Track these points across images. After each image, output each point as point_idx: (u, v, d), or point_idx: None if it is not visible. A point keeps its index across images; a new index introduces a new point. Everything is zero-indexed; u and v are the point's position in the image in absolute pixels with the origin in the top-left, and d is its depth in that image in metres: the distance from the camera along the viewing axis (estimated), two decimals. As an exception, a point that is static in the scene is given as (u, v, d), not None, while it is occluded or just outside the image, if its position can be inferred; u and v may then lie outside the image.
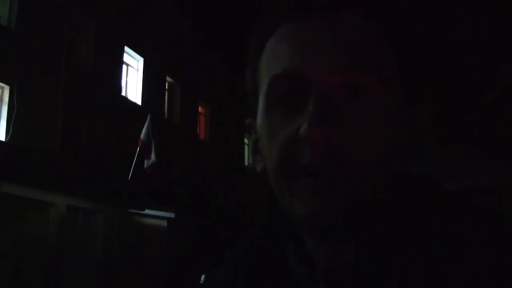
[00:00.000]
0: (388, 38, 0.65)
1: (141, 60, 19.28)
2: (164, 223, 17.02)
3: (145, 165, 15.25)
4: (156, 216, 16.60)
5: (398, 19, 0.68)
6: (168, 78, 21.10)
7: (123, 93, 18.22)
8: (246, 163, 26.77)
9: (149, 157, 15.23)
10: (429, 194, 0.67)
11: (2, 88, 12.99)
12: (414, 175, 0.70)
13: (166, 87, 21.20)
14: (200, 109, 23.80)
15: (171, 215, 16.95)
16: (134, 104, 18.54)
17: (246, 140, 27.09)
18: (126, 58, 18.52)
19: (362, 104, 0.62)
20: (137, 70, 19.27)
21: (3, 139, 12.53)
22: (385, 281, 0.61)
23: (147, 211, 16.02)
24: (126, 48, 18.33)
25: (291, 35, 0.65)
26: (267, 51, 0.68)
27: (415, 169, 0.70)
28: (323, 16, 0.63)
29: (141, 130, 15.32)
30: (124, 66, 18.49)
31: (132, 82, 18.97)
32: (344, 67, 0.61)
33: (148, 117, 15.42)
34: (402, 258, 0.61)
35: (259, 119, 0.69)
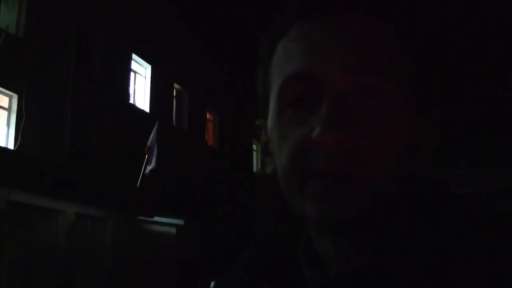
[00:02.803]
0: (403, 41, 0.65)
1: (148, 68, 19.36)
2: (173, 230, 17.03)
3: (146, 170, 15.31)
4: (165, 223, 16.62)
5: (413, 22, 0.67)
6: (176, 85, 21.16)
7: (131, 101, 18.29)
8: (254, 169, 26.77)
9: (150, 163, 15.28)
10: (441, 197, 0.66)
11: (11, 97, 13.07)
12: (425, 178, 0.69)
13: (174, 94, 21.26)
14: (208, 115, 23.86)
15: (180, 222, 16.96)
16: (142, 111, 18.60)
17: (254, 147, 27.11)
18: (133, 65, 18.60)
19: (376, 107, 0.61)
20: (145, 77, 19.35)
21: (12, 147, 12.59)
22: (397, 284, 0.60)
23: (156, 218, 16.05)
24: (134, 56, 18.41)
25: (305, 35, 0.64)
26: (278, 51, 0.67)
27: (426, 173, 0.70)
28: (337, 17, 0.63)
29: (149, 138, 15.39)
30: (132, 74, 18.56)
31: (140, 90, 19.05)
32: (358, 69, 0.61)
33: (156, 124, 15.48)
34: (413, 261, 0.60)
35: (271, 121, 0.68)
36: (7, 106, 13.07)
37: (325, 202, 0.60)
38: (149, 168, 15.29)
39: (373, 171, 0.59)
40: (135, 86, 18.79)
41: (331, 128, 0.58)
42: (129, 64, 18.25)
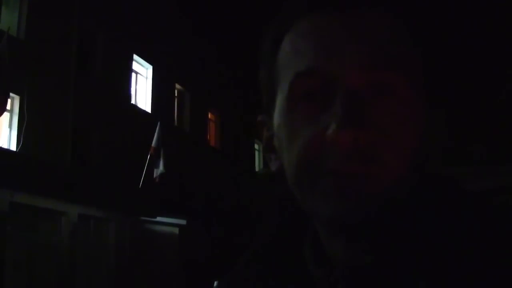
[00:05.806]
0: (414, 37, 0.64)
1: (150, 68, 19.36)
2: (175, 230, 17.03)
3: (154, 175, 15.33)
4: (167, 223, 16.62)
5: (424, 18, 0.66)
6: (177, 86, 21.16)
7: (132, 101, 18.29)
8: (256, 169, 26.77)
9: (157, 166, 15.29)
10: (452, 194, 0.65)
11: (12, 99, 13.06)
12: (436, 176, 0.68)
13: (176, 95, 21.27)
14: (210, 116, 23.86)
15: (182, 222, 16.96)
16: (144, 112, 18.61)
17: (256, 146, 27.10)
18: (135, 66, 18.61)
19: (389, 104, 0.60)
20: (146, 78, 19.35)
21: (14, 149, 12.60)
22: (405, 282, 0.59)
23: (158, 219, 16.05)
24: (135, 56, 18.42)
25: (315, 30, 0.62)
26: (285, 46, 0.66)
27: (436, 170, 0.69)
28: (348, 11, 0.62)
29: (151, 138, 15.40)
30: (133, 74, 18.57)
31: (142, 90, 19.06)
32: (372, 65, 0.59)
33: (158, 124, 15.47)
34: (423, 260, 0.59)
35: (278, 118, 0.66)
36: (9, 108, 13.07)
37: (339, 201, 0.59)
38: (157, 172, 15.32)
39: (388, 169, 0.58)
40: (137, 87, 18.81)
41: (347, 126, 0.56)
42: (130, 64, 18.26)
